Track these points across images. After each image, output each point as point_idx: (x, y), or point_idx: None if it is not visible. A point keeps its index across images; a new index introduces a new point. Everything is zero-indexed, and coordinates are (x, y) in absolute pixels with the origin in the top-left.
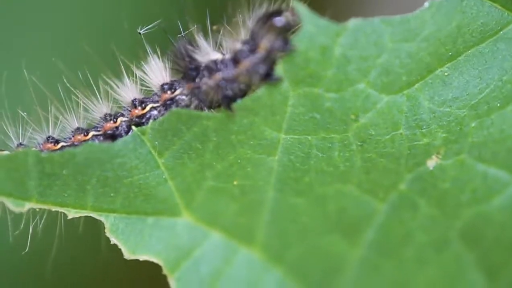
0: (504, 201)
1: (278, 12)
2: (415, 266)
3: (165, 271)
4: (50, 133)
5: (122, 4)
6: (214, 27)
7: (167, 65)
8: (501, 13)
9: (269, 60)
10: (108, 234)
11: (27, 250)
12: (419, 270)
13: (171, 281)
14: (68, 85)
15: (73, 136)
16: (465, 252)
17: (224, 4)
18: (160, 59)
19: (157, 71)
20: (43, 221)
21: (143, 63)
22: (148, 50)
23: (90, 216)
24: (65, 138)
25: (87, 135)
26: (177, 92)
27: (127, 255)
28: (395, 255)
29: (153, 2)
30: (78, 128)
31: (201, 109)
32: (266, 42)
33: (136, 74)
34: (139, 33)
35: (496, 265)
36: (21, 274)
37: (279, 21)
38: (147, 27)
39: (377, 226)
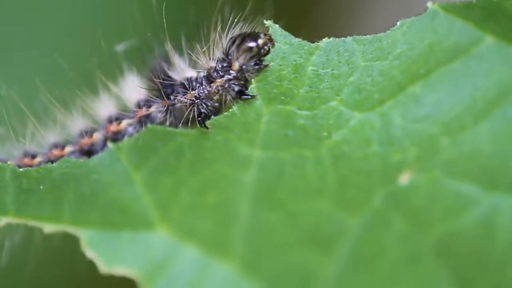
0: (476, 217)
1: (253, 35)
2: (389, 281)
3: (139, 285)
4: (27, 148)
5: (99, 22)
6: (189, 46)
7: (143, 82)
8: (473, 31)
9: (243, 79)
10: (83, 248)
11: (2, 264)
12: (393, 285)
13: None
14: (45, 101)
15: (49, 151)
16: (438, 267)
17: (199, 23)
18: (136, 76)
19: (133, 88)
20: (19, 235)
21: (119, 80)
22: (124, 68)
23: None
24: (41, 153)
25: (63, 150)
26: (152, 109)
27: (103, 269)
28: (369, 270)
29: (130, 21)
30: (54, 144)
31: (176, 126)
32: (240, 62)
33: (112, 91)
34: (116, 51)
35: (469, 279)
36: None
37: (253, 43)
38: (122, 44)
39: (351, 242)
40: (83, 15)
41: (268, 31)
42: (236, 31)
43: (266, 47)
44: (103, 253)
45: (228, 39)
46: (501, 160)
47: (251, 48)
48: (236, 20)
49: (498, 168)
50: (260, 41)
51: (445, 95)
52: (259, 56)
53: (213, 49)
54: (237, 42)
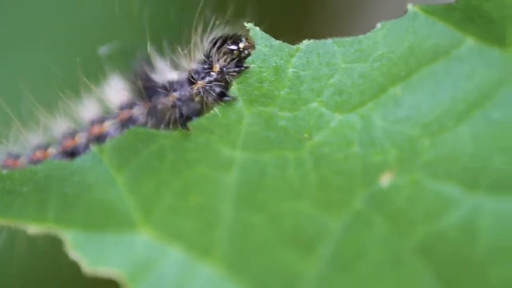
0: (457, 218)
1: (233, 38)
2: (371, 282)
3: (123, 286)
4: (10, 150)
5: (83, 25)
6: (170, 48)
7: (125, 84)
8: (453, 33)
9: (224, 80)
10: (67, 249)
11: None
12: (375, 286)
13: None
14: (28, 103)
15: (33, 153)
16: (421, 268)
17: (180, 25)
18: (119, 79)
19: (115, 90)
20: (2, 236)
21: (102, 82)
22: (107, 70)
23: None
24: (25, 155)
25: (46, 152)
26: (135, 111)
27: (86, 270)
28: (351, 271)
29: (112, 22)
30: (38, 145)
31: (158, 127)
32: (220, 64)
33: (95, 93)
34: (99, 53)
35: (452, 280)
36: None
37: (233, 46)
38: (105, 47)
39: (333, 243)
40: (67, 18)
41: (248, 33)
42: (217, 33)
43: (246, 50)
44: (86, 254)
45: (209, 41)
46: (482, 161)
47: (232, 51)
48: (217, 22)
49: (479, 169)
50: (241, 44)
51: (425, 96)
52: (240, 58)
53: (194, 51)
54: (218, 44)
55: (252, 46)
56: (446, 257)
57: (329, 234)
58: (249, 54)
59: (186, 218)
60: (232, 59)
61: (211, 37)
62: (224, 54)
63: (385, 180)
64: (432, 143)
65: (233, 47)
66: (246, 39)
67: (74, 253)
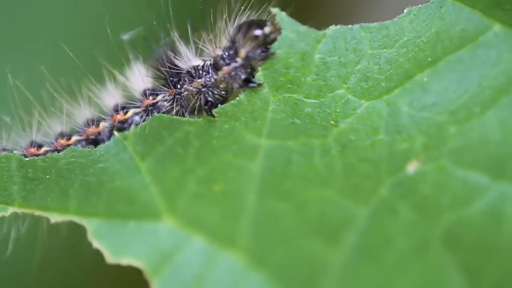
0: (484, 206)
1: (259, 23)
2: (396, 271)
3: (146, 275)
4: (34, 138)
5: (105, 11)
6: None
7: (149, 71)
8: (480, 19)
9: (249, 67)
10: (90, 238)
11: (8, 254)
12: (400, 274)
13: (153, 286)
14: (51, 90)
15: (56, 141)
16: (446, 256)
17: (205, 11)
18: (143, 65)
19: (139, 77)
20: (25, 225)
21: (126, 69)
22: (130, 57)
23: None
24: (48, 143)
25: (70, 139)
26: (159, 98)
27: (110, 259)
28: (376, 259)
29: (136, 9)
30: (61, 133)
31: (183, 114)
32: (246, 49)
33: (118, 80)
34: (122, 39)
35: (477, 268)
36: (2, 278)
37: (259, 31)
38: (129, 33)
39: (358, 231)
40: (90, 4)
41: (275, 19)
42: (242, 19)
43: (272, 35)
44: (109, 243)
45: (234, 27)
46: (509, 149)
47: (257, 36)
48: (242, 8)
49: (506, 157)
50: (267, 29)
51: (452, 83)
52: (265, 44)
53: (220, 37)
54: (243, 30)
55: (278, 31)
56: (472, 244)
57: (354, 222)
58: (275, 40)
59: (210, 206)
60: (258, 45)
61: (236, 23)
62: (250, 39)
63: (412, 167)
64: (459, 130)
65: (259, 32)
66: (272, 24)
67: (97, 242)
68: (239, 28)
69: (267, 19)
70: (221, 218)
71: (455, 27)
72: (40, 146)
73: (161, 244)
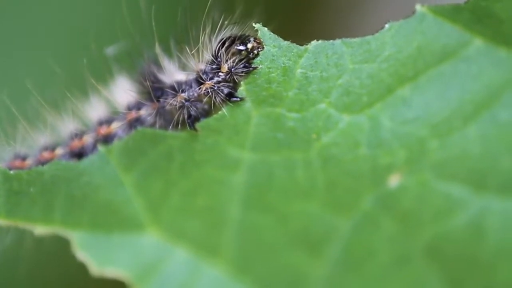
0: (466, 219)
1: (242, 38)
2: (379, 283)
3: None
4: (18, 151)
5: (89, 25)
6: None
7: (132, 85)
8: (461, 33)
9: (232, 81)
10: (74, 250)
11: None
12: (383, 286)
13: None
14: (35, 103)
15: (40, 154)
16: (428, 268)
17: (188, 26)
18: (126, 79)
19: (122, 91)
20: (9, 236)
21: (109, 83)
22: (114, 71)
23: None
24: (32, 156)
25: (54, 152)
26: (142, 111)
27: (94, 271)
28: (359, 272)
29: (119, 23)
30: (45, 146)
31: (166, 128)
32: (229, 64)
33: (102, 94)
34: (106, 54)
35: (459, 280)
36: None
37: (242, 46)
38: (112, 47)
39: (341, 243)
40: (73, 18)
41: (257, 34)
42: (225, 33)
43: (255, 50)
44: (94, 255)
45: (217, 41)
46: (490, 162)
47: (240, 51)
48: (225, 22)
49: (487, 170)
50: (249, 44)
51: (433, 97)
52: (248, 58)
53: (202, 51)
54: (226, 45)
55: (260, 47)
56: (454, 258)
57: (337, 234)
58: (257, 55)
59: (193, 219)
60: (241, 60)
61: (219, 38)
62: (233, 54)
63: (393, 181)
64: (441, 144)
65: (242, 47)
66: (255, 39)
67: (81, 254)
68: (222, 42)
69: (250, 34)
70: (205, 230)
71: (436, 41)
72: (24, 159)
73: (145, 255)
